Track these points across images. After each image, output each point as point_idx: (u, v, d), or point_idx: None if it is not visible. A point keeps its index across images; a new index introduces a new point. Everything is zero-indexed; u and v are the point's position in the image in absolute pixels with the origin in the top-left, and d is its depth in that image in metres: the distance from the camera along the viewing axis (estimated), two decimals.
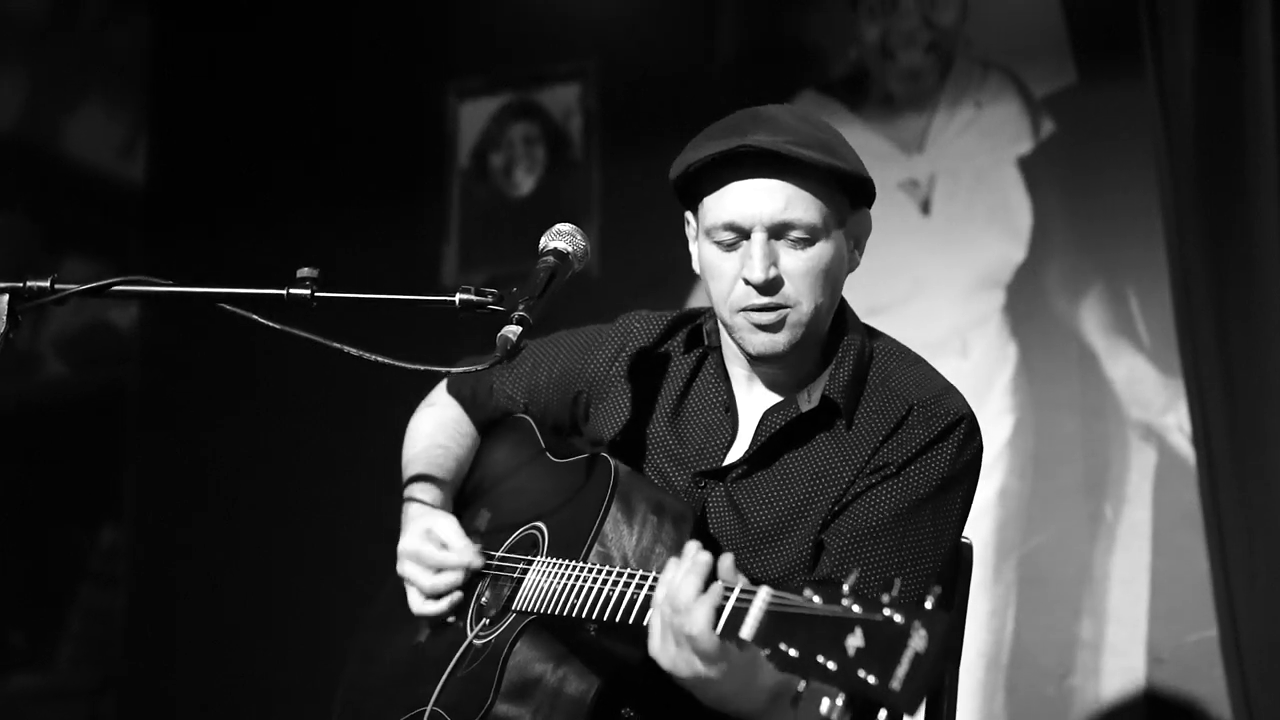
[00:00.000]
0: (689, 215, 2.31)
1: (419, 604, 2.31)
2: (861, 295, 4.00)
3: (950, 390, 2.27)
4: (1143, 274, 3.77)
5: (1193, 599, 3.55)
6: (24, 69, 4.73)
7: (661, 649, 1.91)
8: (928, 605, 1.60)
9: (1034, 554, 3.82)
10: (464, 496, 2.53)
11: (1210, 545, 3.46)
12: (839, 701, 1.61)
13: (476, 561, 2.29)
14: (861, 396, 2.25)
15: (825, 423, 2.24)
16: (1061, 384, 3.86)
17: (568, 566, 2.13)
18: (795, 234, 2.17)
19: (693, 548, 1.92)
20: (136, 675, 4.79)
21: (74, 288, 1.93)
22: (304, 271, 1.97)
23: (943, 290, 4.00)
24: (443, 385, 2.64)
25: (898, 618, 1.60)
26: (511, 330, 2.00)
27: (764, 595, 1.72)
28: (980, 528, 3.84)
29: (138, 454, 4.96)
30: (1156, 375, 3.75)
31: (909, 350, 2.35)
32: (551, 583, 2.14)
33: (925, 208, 4.06)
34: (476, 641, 2.23)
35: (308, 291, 1.97)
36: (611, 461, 2.23)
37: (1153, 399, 3.76)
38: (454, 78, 4.73)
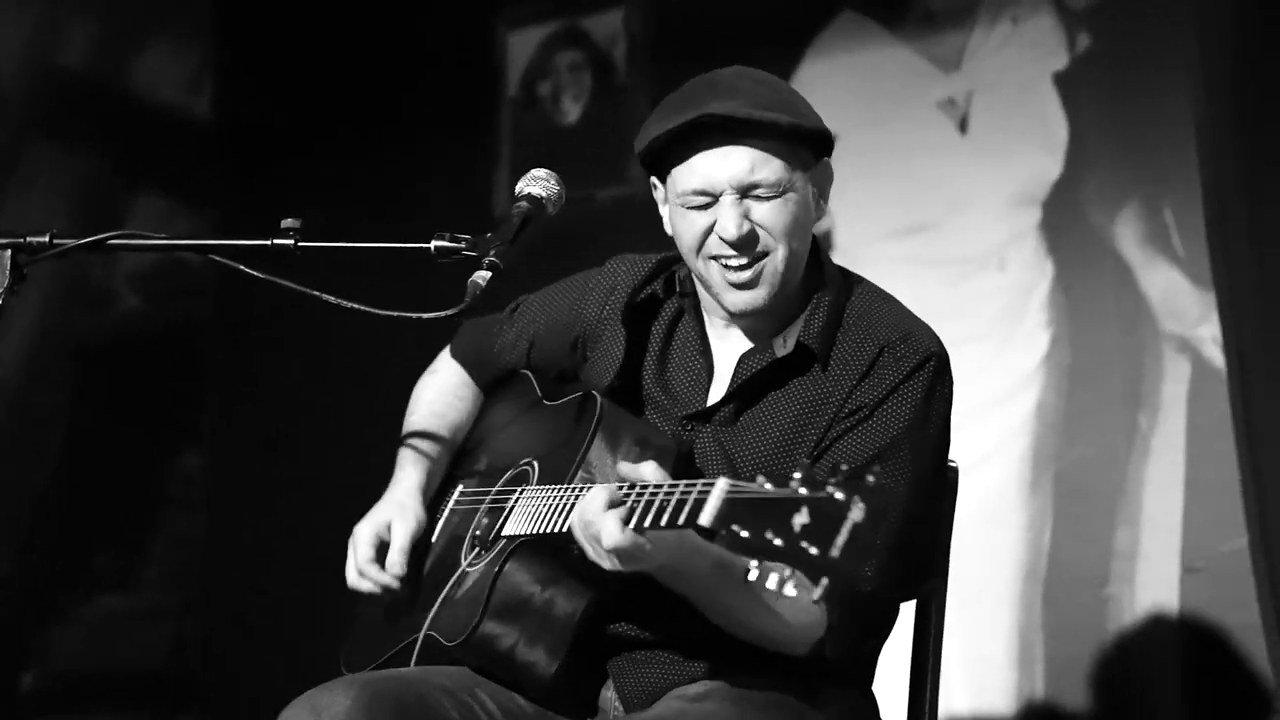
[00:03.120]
0: (655, 181, 2.38)
1: (350, 575, 2.52)
2: (900, 213, 4.12)
3: (920, 329, 2.34)
4: (1178, 188, 3.76)
5: (1227, 508, 3.57)
6: (91, 9, 4.88)
7: (594, 555, 2.05)
8: (869, 481, 1.71)
9: (1071, 467, 3.86)
10: (466, 447, 2.65)
11: (1240, 454, 3.49)
12: (786, 574, 1.75)
13: (393, 585, 2.48)
14: (836, 339, 2.32)
15: (802, 367, 2.32)
16: (1097, 298, 3.87)
17: (554, 490, 2.24)
18: (762, 191, 2.24)
19: (624, 468, 2.06)
20: (217, 597, 5.00)
21: (72, 242, 2.04)
22: (288, 222, 2.06)
23: (980, 207, 4.02)
24: (446, 351, 2.75)
25: (839, 494, 1.71)
26: (482, 275, 2.09)
27: (721, 484, 1.83)
28: (1018, 442, 3.91)
29: (214, 384, 5.15)
30: (1191, 288, 3.75)
31: (882, 290, 2.42)
32: (539, 507, 2.25)
33: (963, 126, 4.07)
34: (469, 569, 2.35)
35: (291, 241, 2.07)
36: (598, 397, 2.33)
37: (1187, 311, 3.76)
38: (503, 7, 4.81)
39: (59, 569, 4.70)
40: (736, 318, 2.35)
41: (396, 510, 2.52)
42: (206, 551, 5.04)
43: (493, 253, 2.11)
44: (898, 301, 2.41)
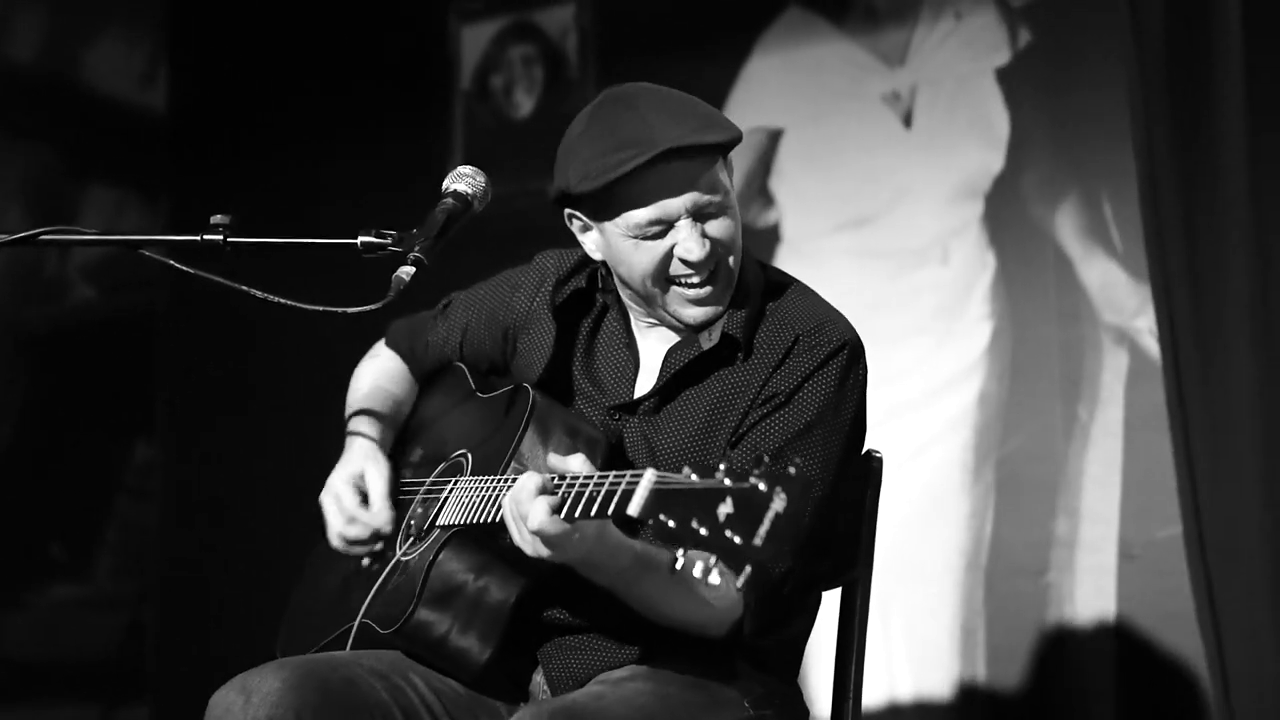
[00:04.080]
0: (573, 213, 2.38)
1: (333, 539, 2.49)
2: (844, 206, 4.16)
3: (834, 318, 2.39)
4: (1116, 180, 3.82)
5: (1162, 496, 3.62)
6: (43, 2, 4.88)
7: (519, 539, 2.08)
8: (790, 472, 1.79)
9: (1011, 456, 3.92)
10: (401, 439, 2.68)
11: (1175, 444, 3.55)
12: (711, 562, 1.81)
13: (386, 527, 2.45)
14: (758, 330, 2.38)
15: (726, 358, 2.37)
16: (1038, 290, 3.93)
17: (487, 481, 2.28)
18: (713, 209, 2.28)
19: (553, 460, 2.09)
20: (172, 585, 5.02)
21: (6, 237, 2.07)
22: (217, 218, 2.09)
23: (923, 200, 4.08)
24: (383, 340, 2.77)
25: (761, 485, 1.78)
26: (405, 270, 2.12)
27: (649, 476, 1.89)
28: (960, 432, 3.96)
29: (167, 373, 5.16)
30: (1128, 280, 3.82)
31: (802, 284, 2.47)
32: (472, 498, 2.29)
33: (907, 120, 4.12)
34: (404, 559, 2.38)
35: (220, 237, 2.10)
36: (530, 390, 2.37)
37: (1125, 302, 3.83)
38: (456, 1, 4.84)
39: (13, 558, 4.70)
40: (694, 329, 2.38)
41: (369, 461, 2.53)
42: (159, 540, 5.05)
43: (417, 248, 2.14)
44: (815, 294, 2.46)
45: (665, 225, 2.27)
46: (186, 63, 5.25)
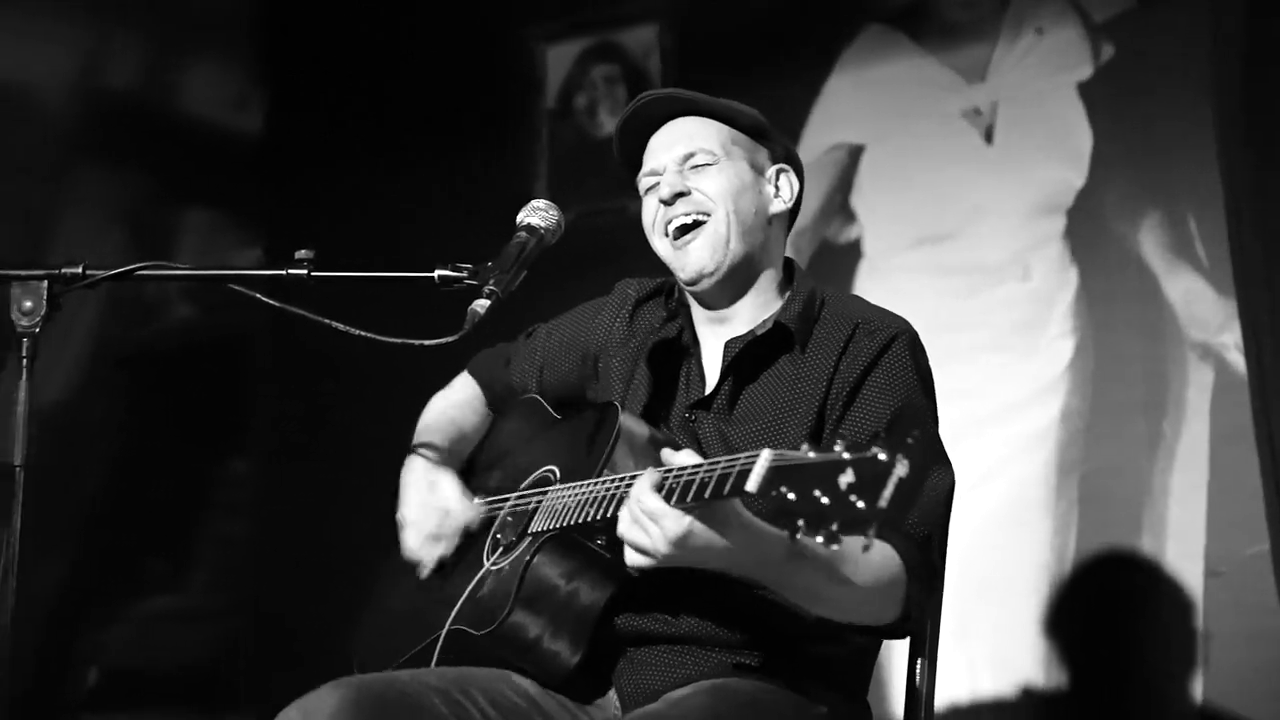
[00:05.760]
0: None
1: (424, 563, 2.58)
2: (924, 222, 4.17)
3: (891, 313, 2.50)
4: (1200, 195, 3.80)
5: (1249, 514, 3.61)
6: (138, 32, 5.01)
7: (649, 544, 2.06)
8: (909, 441, 1.80)
9: (1095, 473, 3.90)
10: (476, 465, 2.76)
11: (1262, 460, 3.53)
12: (833, 527, 1.81)
13: (475, 524, 2.53)
14: (813, 327, 2.47)
15: (783, 344, 2.46)
16: (1121, 306, 3.92)
17: (580, 486, 2.33)
18: (697, 160, 2.48)
19: (665, 454, 2.13)
20: (264, 598, 5.13)
21: (103, 273, 2.16)
22: (301, 253, 2.17)
23: (1005, 216, 4.08)
24: (464, 372, 2.88)
25: (882, 454, 1.80)
26: (481, 304, 2.20)
27: (766, 453, 1.91)
28: (1043, 448, 3.95)
29: (261, 391, 5.27)
30: (1214, 295, 3.79)
31: (852, 293, 2.56)
32: (566, 502, 2.34)
33: (988, 136, 4.13)
34: (493, 568, 2.43)
35: (304, 271, 2.18)
36: (617, 405, 2.43)
37: (1210, 318, 3.80)
38: (541, 23, 4.91)
39: (114, 571, 4.82)
40: (695, 289, 2.50)
41: (433, 474, 2.63)
42: (252, 555, 5.17)
43: (492, 282, 2.21)
44: (867, 300, 2.58)
45: (658, 176, 2.51)
46: (279, 86, 5.37)
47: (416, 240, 4.74)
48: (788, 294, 2.53)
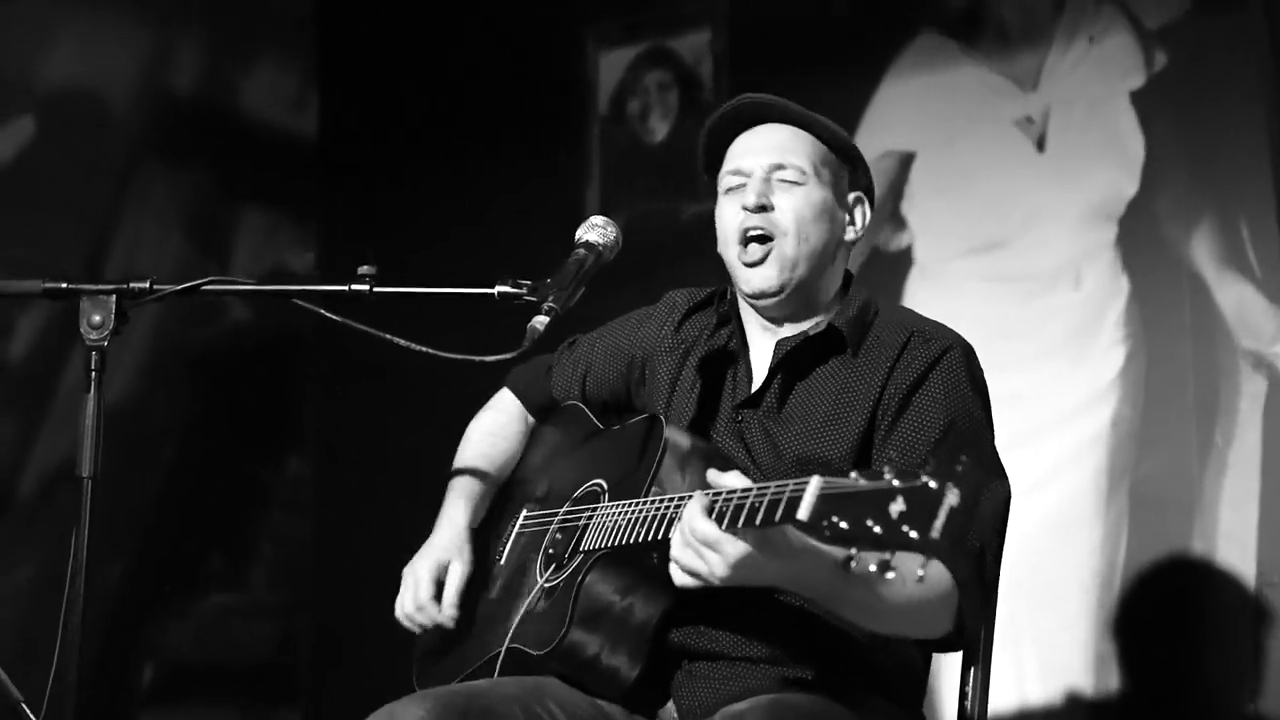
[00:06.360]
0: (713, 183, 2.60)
1: (398, 612, 2.68)
2: (976, 230, 4.19)
3: (946, 325, 2.52)
4: (1253, 203, 3.79)
5: None
6: (201, 32, 5.08)
7: (703, 569, 2.10)
8: (958, 468, 1.81)
9: (1145, 480, 3.90)
10: (524, 476, 2.80)
11: None
12: (887, 556, 1.83)
13: (449, 625, 2.60)
14: (866, 334, 2.49)
15: (835, 346, 2.49)
16: (1173, 314, 3.91)
17: (630, 504, 2.37)
18: (787, 174, 2.48)
19: (711, 475, 2.15)
20: (323, 595, 5.20)
21: (170, 288, 2.22)
22: (364, 269, 2.22)
23: (1056, 224, 4.08)
24: (504, 388, 2.92)
25: (932, 483, 1.81)
26: (540, 320, 2.24)
27: (816, 481, 1.92)
28: (1093, 455, 3.96)
29: (318, 390, 5.34)
30: (1266, 304, 3.78)
31: (907, 306, 2.58)
32: (616, 520, 2.38)
33: (1040, 144, 4.13)
34: (547, 584, 2.47)
35: (367, 287, 2.23)
36: (663, 419, 2.47)
37: (1263, 327, 3.79)
38: (594, 28, 4.95)
39: (176, 568, 4.90)
40: (756, 300, 2.52)
41: (455, 552, 2.67)
42: (311, 552, 5.23)
43: (551, 298, 2.25)
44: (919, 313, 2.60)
45: (744, 177, 2.50)
46: (335, 88, 5.44)
47: (468, 243, 4.78)
48: (841, 304, 2.55)
